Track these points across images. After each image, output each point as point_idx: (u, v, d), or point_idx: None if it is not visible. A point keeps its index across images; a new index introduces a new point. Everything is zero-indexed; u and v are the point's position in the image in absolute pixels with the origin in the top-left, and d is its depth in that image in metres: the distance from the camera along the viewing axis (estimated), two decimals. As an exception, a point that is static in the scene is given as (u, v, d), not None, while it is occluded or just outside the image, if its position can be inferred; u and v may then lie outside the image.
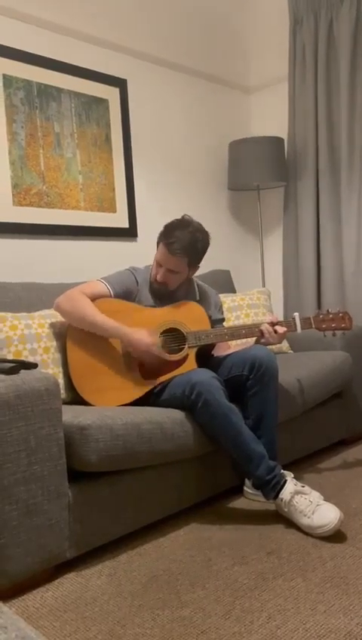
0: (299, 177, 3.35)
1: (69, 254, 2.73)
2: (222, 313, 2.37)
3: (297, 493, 1.82)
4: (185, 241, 2.03)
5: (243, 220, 3.65)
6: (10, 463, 1.46)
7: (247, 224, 3.68)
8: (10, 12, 2.50)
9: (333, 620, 1.34)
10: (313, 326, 2.13)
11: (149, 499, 1.83)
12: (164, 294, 2.15)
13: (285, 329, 2.09)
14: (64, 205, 2.67)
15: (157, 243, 2.12)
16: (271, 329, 2.07)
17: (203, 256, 2.15)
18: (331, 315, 2.15)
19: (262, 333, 2.09)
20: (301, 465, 2.44)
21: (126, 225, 2.94)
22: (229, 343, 2.34)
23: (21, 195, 2.52)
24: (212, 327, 2.11)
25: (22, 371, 1.57)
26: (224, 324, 2.37)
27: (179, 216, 2.15)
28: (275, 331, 2.08)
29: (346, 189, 3.14)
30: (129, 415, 1.74)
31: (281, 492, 1.84)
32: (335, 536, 1.74)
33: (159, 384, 2.01)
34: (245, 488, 2.11)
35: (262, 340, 2.11)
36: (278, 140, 3.23)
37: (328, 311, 2.16)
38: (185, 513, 1.99)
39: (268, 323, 2.09)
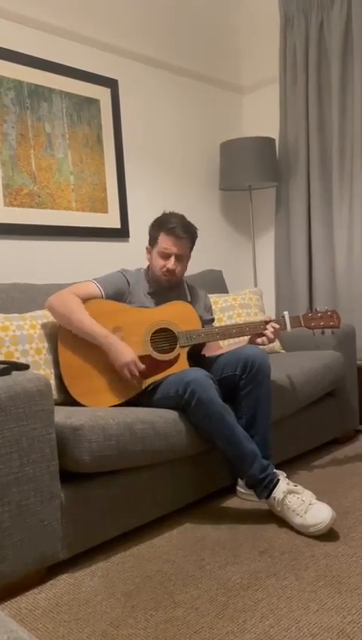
0: (290, 177, 3.36)
1: (61, 255, 2.72)
2: (212, 314, 2.38)
3: (290, 492, 1.82)
4: (183, 222, 2.13)
5: (235, 220, 3.66)
6: (2, 465, 1.46)
7: (239, 224, 3.68)
8: (1, 12, 2.49)
9: (326, 618, 1.35)
10: (302, 324, 2.15)
11: (142, 499, 1.83)
12: (159, 294, 2.16)
13: (277, 326, 2.11)
14: (55, 206, 2.67)
15: (154, 237, 2.16)
16: (271, 328, 2.10)
17: (194, 245, 2.24)
18: (320, 314, 2.17)
19: (259, 335, 2.10)
20: (294, 464, 2.44)
21: (118, 225, 2.94)
22: (220, 342, 2.35)
23: (12, 195, 2.51)
24: (202, 327, 2.12)
25: (13, 372, 1.56)
26: (214, 324, 2.38)
27: None
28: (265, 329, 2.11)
29: (337, 188, 3.15)
30: (121, 415, 1.74)
31: (274, 491, 1.84)
32: (328, 535, 1.75)
33: (151, 384, 2.01)
34: (238, 488, 2.11)
35: (258, 340, 2.11)
36: (270, 141, 3.24)
37: (317, 309, 2.18)
38: (178, 513, 1.99)
39: (263, 323, 2.11)
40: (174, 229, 2.10)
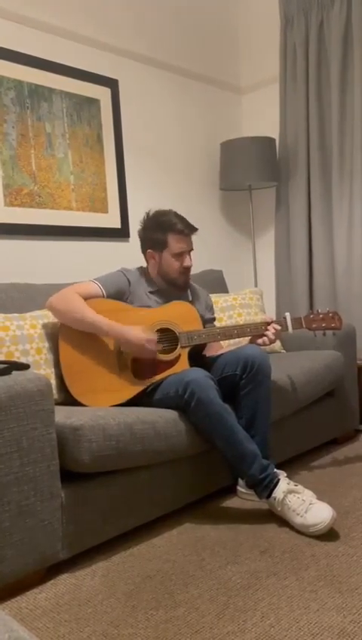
0: (290, 177, 3.36)
1: (61, 255, 2.72)
2: (213, 313, 2.38)
3: (290, 492, 1.82)
4: (181, 218, 2.16)
5: (235, 220, 3.66)
6: (2, 465, 1.46)
7: (239, 224, 3.68)
8: (1, 12, 2.49)
9: (326, 618, 1.35)
10: (303, 326, 2.15)
11: (143, 499, 1.83)
12: (160, 294, 2.16)
13: (279, 327, 2.11)
14: (56, 206, 2.67)
15: (160, 241, 2.13)
16: (272, 330, 2.10)
17: None
18: (321, 315, 2.16)
19: (260, 335, 2.11)
20: (294, 464, 2.44)
21: (118, 225, 2.94)
22: (221, 342, 2.35)
23: (12, 195, 2.51)
24: (203, 327, 2.11)
25: (14, 372, 1.56)
26: (215, 323, 2.38)
27: None
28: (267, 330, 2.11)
29: (337, 188, 3.15)
30: (122, 415, 1.74)
31: (274, 491, 1.84)
32: (328, 535, 1.75)
33: (151, 384, 2.01)
34: (238, 487, 2.11)
35: (259, 341, 2.11)
36: (270, 140, 3.24)
37: (318, 311, 2.17)
38: (178, 513, 1.99)
39: (265, 324, 2.11)
40: (182, 228, 2.12)
